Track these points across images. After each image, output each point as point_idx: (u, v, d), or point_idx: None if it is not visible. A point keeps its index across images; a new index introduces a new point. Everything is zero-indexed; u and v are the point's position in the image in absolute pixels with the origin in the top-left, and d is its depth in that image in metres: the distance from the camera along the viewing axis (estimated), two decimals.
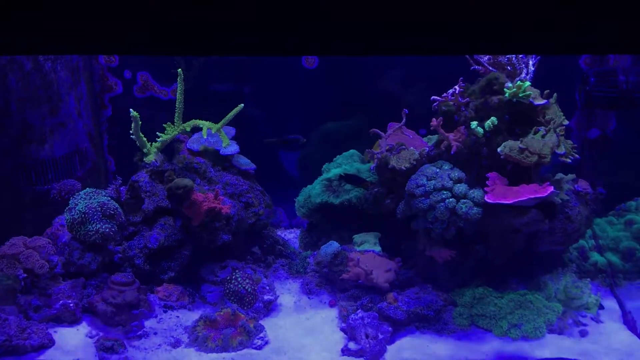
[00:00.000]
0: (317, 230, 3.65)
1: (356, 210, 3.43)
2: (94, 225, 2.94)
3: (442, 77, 3.14)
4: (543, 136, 2.78)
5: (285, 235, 3.88)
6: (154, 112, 3.79)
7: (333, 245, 3.19)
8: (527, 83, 2.82)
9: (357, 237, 3.43)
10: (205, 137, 3.16)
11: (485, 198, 2.74)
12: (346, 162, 3.63)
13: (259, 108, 3.92)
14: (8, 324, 2.67)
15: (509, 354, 2.72)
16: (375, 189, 3.22)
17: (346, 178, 3.36)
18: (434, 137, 3.26)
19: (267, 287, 3.11)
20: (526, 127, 2.86)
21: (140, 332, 2.80)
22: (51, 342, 2.72)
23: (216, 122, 3.14)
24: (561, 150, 2.80)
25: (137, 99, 3.84)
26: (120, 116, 3.80)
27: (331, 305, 3.13)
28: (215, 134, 3.20)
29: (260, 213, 3.38)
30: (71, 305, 2.86)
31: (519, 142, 2.77)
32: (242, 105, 3.14)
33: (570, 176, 3.00)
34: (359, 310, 2.90)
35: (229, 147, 3.35)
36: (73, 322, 2.87)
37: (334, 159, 3.71)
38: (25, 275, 2.85)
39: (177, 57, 3.78)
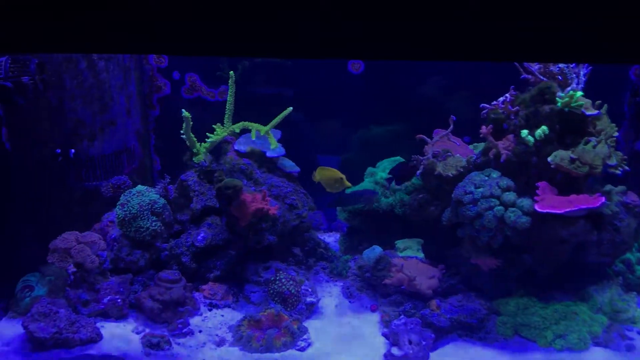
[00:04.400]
0: (358, 234, 3.64)
1: (397, 215, 3.41)
2: (145, 222, 2.99)
3: (487, 85, 3.13)
4: (594, 147, 2.76)
5: (324, 238, 3.90)
6: (200, 113, 3.84)
7: (376, 250, 3.19)
8: (580, 93, 2.80)
9: (399, 243, 3.43)
10: (254, 138, 3.19)
11: (535, 207, 2.72)
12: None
13: (302, 111, 3.94)
14: (59, 316, 2.73)
15: None
16: (420, 195, 3.21)
17: (394, 174, 3.24)
18: (480, 145, 3.25)
19: (310, 290, 3.12)
20: (577, 137, 2.84)
21: (185, 330, 2.83)
22: (99, 337, 2.76)
23: (259, 124, 3.16)
24: (612, 161, 2.78)
25: (184, 100, 3.89)
26: (168, 116, 3.86)
27: (372, 310, 3.14)
28: (262, 136, 3.23)
29: (304, 215, 3.39)
30: (119, 300, 2.90)
31: (570, 152, 2.75)
32: (291, 108, 3.16)
33: (620, 188, 2.96)
34: (402, 316, 2.89)
35: (276, 149, 3.37)
36: (120, 317, 2.92)
37: (378, 163, 3.69)
38: (75, 269, 2.91)
39: (222, 59, 3.82)
